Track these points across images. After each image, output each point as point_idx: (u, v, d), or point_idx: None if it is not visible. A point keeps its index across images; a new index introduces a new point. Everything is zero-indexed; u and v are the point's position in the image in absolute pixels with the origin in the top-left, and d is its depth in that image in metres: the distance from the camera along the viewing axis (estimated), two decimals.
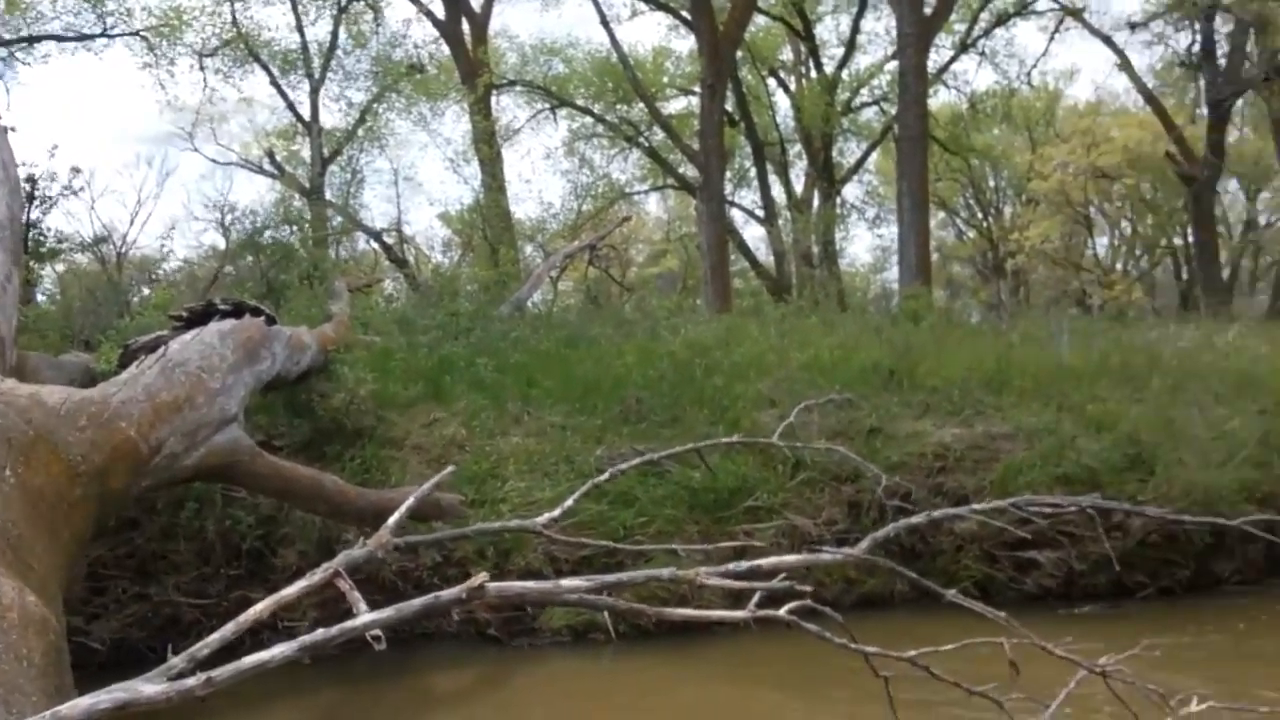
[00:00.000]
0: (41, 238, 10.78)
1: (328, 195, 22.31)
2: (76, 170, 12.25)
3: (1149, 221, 30.25)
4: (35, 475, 3.64)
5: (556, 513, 5.00)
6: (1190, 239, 25.04)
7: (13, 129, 7.55)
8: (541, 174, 42.47)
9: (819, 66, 22.48)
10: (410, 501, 4.34)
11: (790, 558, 4.35)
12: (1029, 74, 23.18)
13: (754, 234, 24.98)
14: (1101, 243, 32.87)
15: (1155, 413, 7.08)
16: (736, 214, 23.89)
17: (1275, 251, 28.06)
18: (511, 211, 21.23)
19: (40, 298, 11.55)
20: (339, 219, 21.33)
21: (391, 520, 4.07)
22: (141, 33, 20.27)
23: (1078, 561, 6.02)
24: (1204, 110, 21.98)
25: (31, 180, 9.88)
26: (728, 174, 20.32)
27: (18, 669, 2.61)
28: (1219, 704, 3.63)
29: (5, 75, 20.60)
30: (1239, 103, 22.36)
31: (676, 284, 23.88)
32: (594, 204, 23.61)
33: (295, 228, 15.92)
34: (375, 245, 23.09)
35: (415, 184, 26.55)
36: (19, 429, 3.80)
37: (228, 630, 2.81)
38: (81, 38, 19.60)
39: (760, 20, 21.79)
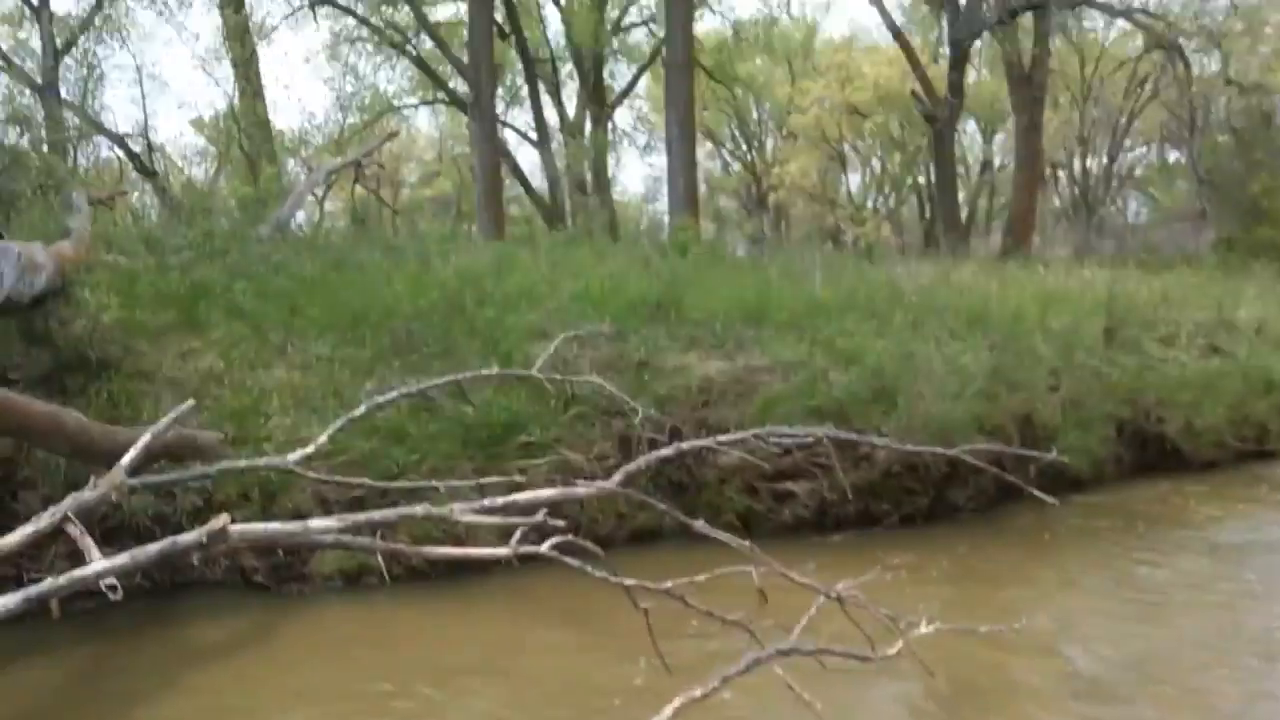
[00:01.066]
0: None
1: (62, 93, 20.41)
2: None
3: (897, 160, 32.07)
4: None
5: (310, 449, 4.87)
6: (932, 178, 26.73)
7: None
8: (303, 80, 40.06)
9: None
10: (146, 438, 4.11)
11: (546, 491, 4.45)
12: (789, 3, 23.82)
13: (528, 157, 24.70)
14: (854, 179, 34.67)
15: (897, 347, 7.59)
16: (510, 136, 23.50)
17: (1007, 192, 30.50)
18: (271, 121, 20.08)
19: None
20: (76, 120, 19.55)
21: (125, 459, 3.85)
22: None
23: (829, 492, 6.41)
24: (947, 50, 23.26)
25: None
26: (500, 91, 19.92)
27: None
28: (945, 626, 4.03)
29: None
30: (978, 44, 23.72)
31: (450, 208, 23.34)
32: (360, 117, 22.62)
33: (25, 128, 14.58)
34: (119, 152, 21.30)
35: (162, 83, 24.62)
36: None
37: None
38: None
39: None
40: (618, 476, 4.58)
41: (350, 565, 5.28)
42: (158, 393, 6.16)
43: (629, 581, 3.83)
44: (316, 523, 3.63)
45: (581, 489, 4.66)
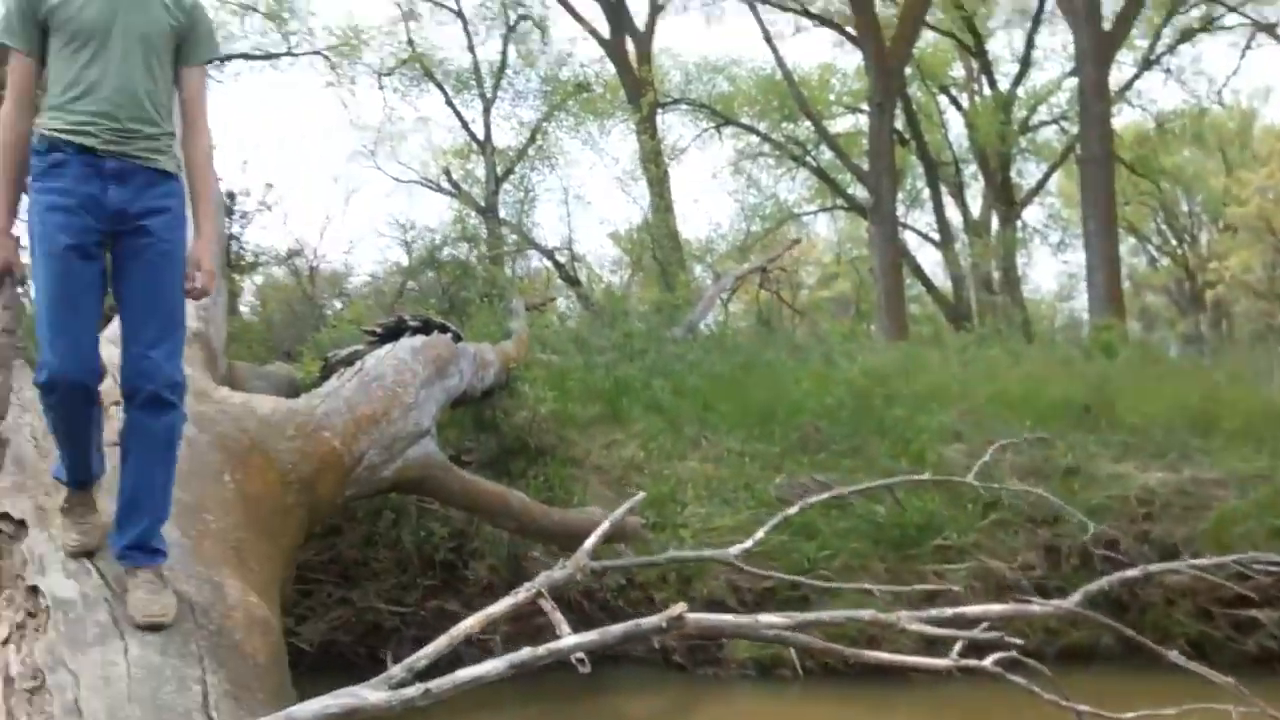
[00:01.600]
0: (242, 251, 11.40)
1: (502, 213, 22.91)
2: (270, 186, 12.89)
3: None
4: (252, 482, 3.78)
5: (749, 544, 4.90)
6: None
7: (213, 145, 8.02)
8: (709, 193, 42.53)
9: (993, 83, 21.79)
10: (605, 526, 4.32)
11: (996, 607, 4.11)
12: (1220, 92, 21.91)
13: (929, 257, 24.33)
14: None
15: None
16: (910, 236, 23.30)
17: None
18: (680, 232, 21.33)
19: (243, 309, 12.19)
20: (513, 237, 21.86)
21: (588, 543, 4.06)
22: (323, 51, 21.38)
23: None
24: None
25: (230, 195, 10.45)
26: (900, 195, 19.85)
27: (245, 667, 2.70)
28: None
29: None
30: None
31: (849, 308, 23.46)
32: (762, 225, 23.46)
33: (472, 245, 16.37)
34: (548, 263, 23.57)
35: (585, 203, 27.09)
36: (235, 437, 3.96)
37: (441, 643, 2.85)
38: (268, 56, 20.79)
39: (929, 36, 21.24)
40: (1076, 596, 4.16)
41: (764, 654, 5.23)
42: (586, 478, 6.56)
43: (1083, 707, 3.43)
44: (766, 618, 3.63)
45: (1037, 607, 4.31)
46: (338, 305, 12.54)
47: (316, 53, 21.14)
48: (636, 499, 5.05)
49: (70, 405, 2.81)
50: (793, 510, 5.37)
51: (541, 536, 5.52)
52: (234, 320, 9.44)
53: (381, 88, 23.54)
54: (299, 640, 5.11)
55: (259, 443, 4.02)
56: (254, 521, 3.62)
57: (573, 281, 22.53)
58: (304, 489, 4.08)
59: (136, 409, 2.85)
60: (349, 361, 5.48)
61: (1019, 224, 21.47)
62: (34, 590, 2.73)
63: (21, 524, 3.02)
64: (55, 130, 2.79)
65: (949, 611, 3.85)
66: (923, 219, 24.53)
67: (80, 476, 2.97)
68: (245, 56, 20.74)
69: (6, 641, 2.60)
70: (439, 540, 5.79)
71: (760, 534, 5.04)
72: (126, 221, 2.82)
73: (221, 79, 20.19)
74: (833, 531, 5.92)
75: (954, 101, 24.11)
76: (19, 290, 3.01)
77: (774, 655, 5.18)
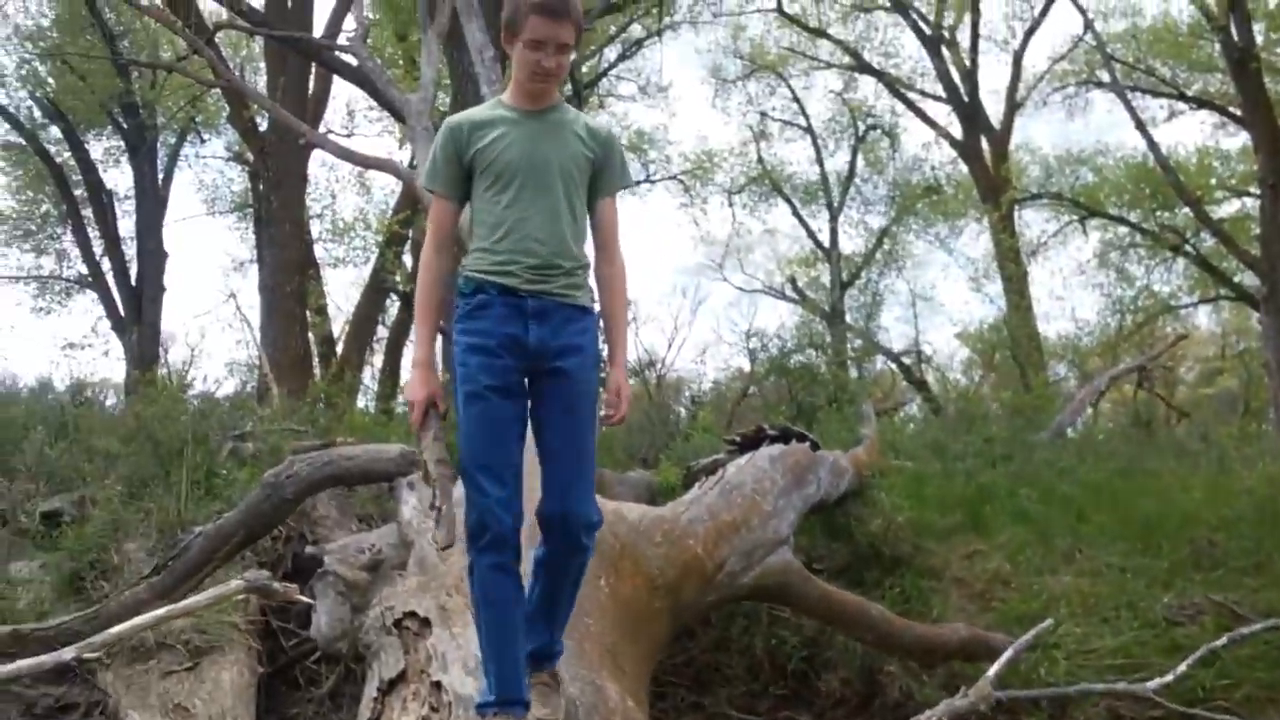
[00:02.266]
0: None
1: (847, 318, 22.93)
2: (629, 303, 13.70)
3: None
4: (624, 585, 3.98)
5: (1169, 678, 4.51)
6: None
7: (626, 271, 8.68)
8: (1073, 289, 40.22)
9: None
10: (1010, 654, 4.12)
11: None
12: None
13: None
14: None
15: None
16: None
17: None
18: (1040, 330, 20.32)
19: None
20: (858, 341, 21.77)
21: (992, 671, 3.92)
22: (679, 176, 22.63)
23: None
24: None
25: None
26: None
27: None
28: None
29: None
30: None
31: (1236, 406, 21.14)
32: (1133, 319, 21.83)
33: (818, 351, 16.47)
34: (894, 367, 23.22)
35: (934, 304, 26.54)
36: (608, 542, 4.18)
37: None
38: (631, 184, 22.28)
39: None
40: None
41: None
42: (946, 590, 6.27)
43: None
44: None
45: None
46: (684, 412, 12.99)
47: (673, 177, 22.48)
48: (1045, 625, 4.81)
49: (498, 557, 2.78)
50: (1220, 642, 4.87)
51: (900, 651, 5.33)
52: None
53: (731, 205, 24.57)
54: None
55: (629, 548, 4.23)
56: (625, 625, 3.79)
57: (920, 385, 22.00)
58: (669, 594, 4.23)
59: (553, 546, 2.90)
60: (710, 470, 5.65)
61: None
62: (437, 686, 3.00)
63: (426, 622, 3.34)
64: (479, 271, 2.86)
65: None
66: None
67: (512, 692, 2.81)
68: None
69: None
70: (791, 649, 5.74)
71: (1182, 667, 4.62)
72: (545, 360, 2.85)
73: None
74: (1234, 658, 5.25)
75: None
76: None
77: None
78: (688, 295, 49.10)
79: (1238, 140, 20.24)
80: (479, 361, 2.83)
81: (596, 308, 3.04)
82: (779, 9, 21.96)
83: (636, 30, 18.99)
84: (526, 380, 2.89)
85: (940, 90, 22.21)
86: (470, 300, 2.88)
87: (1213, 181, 20.68)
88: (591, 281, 3.03)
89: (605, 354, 3.06)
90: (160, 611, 3.51)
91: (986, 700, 3.74)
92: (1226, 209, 20.93)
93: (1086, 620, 5.84)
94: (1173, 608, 5.81)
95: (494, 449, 2.81)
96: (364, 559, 3.86)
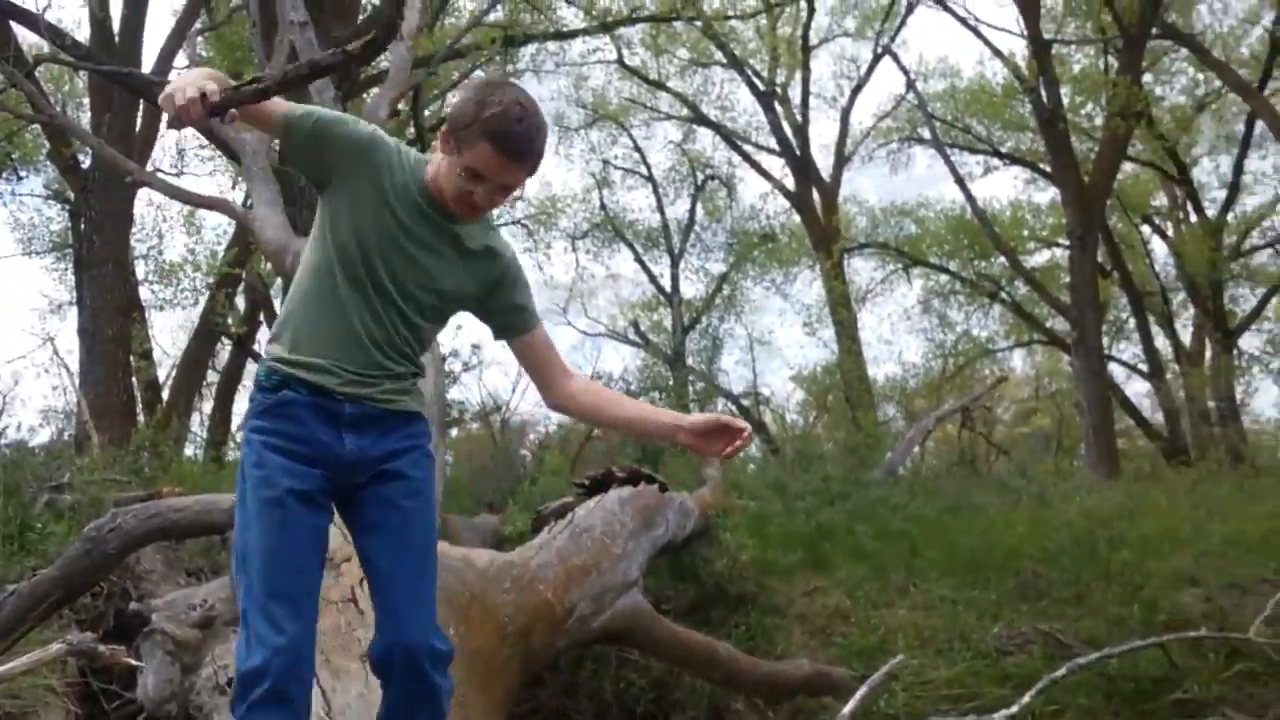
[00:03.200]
0: (448, 409, 12.01)
1: (689, 362, 23.33)
2: (476, 346, 13.61)
3: None
4: (474, 635, 3.89)
5: (1014, 709, 4.68)
6: None
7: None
8: (900, 334, 42.16)
9: (1200, 210, 20.91)
10: (864, 690, 4.23)
11: None
12: None
13: (1136, 389, 23.17)
14: None
15: None
16: (1116, 369, 22.27)
17: None
18: (870, 373, 21.15)
19: (447, 462, 12.76)
20: (700, 384, 22.15)
21: (847, 709, 4.01)
22: (523, 220, 22.71)
23: None
24: None
25: (443, 358, 11.09)
26: (1104, 327, 19.08)
27: None
28: None
29: None
30: None
31: (1050, 444, 22.45)
32: (954, 362, 22.99)
33: (661, 393, 16.66)
34: (734, 408, 23.71)
35: (771, 348, 27.35)
36: (457, 590, 4.09)
37: None
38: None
39: (1129, 167, 20.72)
40: None
41: None
42: (789, 627, 6.40)
43: None
44: None
45: None
46: (528, 456, 12.95)
47: (516, 222, 22.51)
48: (895, 662, 4.95)
49: (280, 715, 2.17)
50: (1060, 673, 5.08)
51: (748, 688, 5.40)
52: (442, 476, 9.88)
53: (575, 250, 24.74)
54: None
55: (478, 596, 4.15)
56: (474, 675, 3.70)
57: (759, 426, 22.54)
58: (519, 640, 4.16)
59: (394, 693, 2.35)
60: (560, 513, 5.62)
61: (1235, 352, 20.19)
62: None
63: None
64: (285, 363, 2.36)
65: None
66: (1128, 350, 23.48)
67: None
68: None
69: None
70: (639, 691, 5.74)
71: (1026, 699, 4.81)
72: (365, 470, 2.37)
73: None
74: (1059, 686, 5.52)
75: (1158, 230, 23.31)
76: None
77: None
78: None
79: (1048, 194, 21.73)
80: (280, 463, 2.29)
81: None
82: (620, 61, 22.38)
83: (480, 76, 18.98)
84: (332, 498, 2.38)
85: (774, 143, 23.03)
86: (271, 397, 2.34)
87: (1025, 233, 22.11)
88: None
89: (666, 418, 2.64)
90: None
91: None
92: (1038, 259, 22.42)
93: (923, 652, 6.04)
94: (1002, 638, 6.08)
95: (293, 571, 2.26)
96: (195, 615, 3.64)
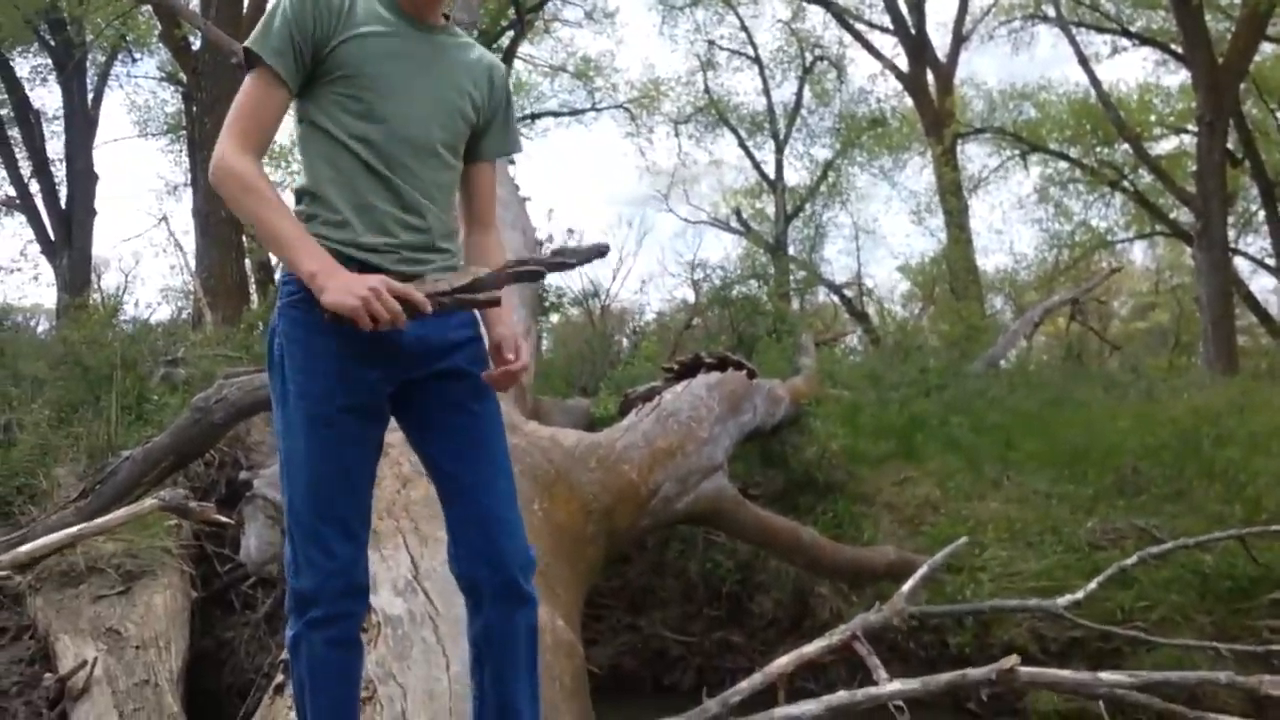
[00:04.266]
0: (544, 293, 12.12)
1: (791, 250, 23.02)
2: (571, 231, 13.70)
3: None
4: (558, 510, 4.01)
5: (1080, 595, 4.66)
6: None
7: (528, 199, 8.62)
8: (1012, 223, 40.77)
9: None
10: (924, 570, 4.24)
11: None
12: None
13: (1262, 285, 22.07)
14: None
15: None
16: (1241, 263, 21.20)
17: None
18: (979, 264, 20.57)
19: (544, 347, 12.95)
20: (801, 273, 21.88)
21: (906, 588, 4.02)
22: (625, 105, 22.42)
23: None
24: None
25: (539, 243, 11.15)
26: (1230, 219, 18.12)
27: (553, 690, 2.85)
28: None
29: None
30: None
31: (1168, 340, 21.66)
32: (1070, 254, 22.17)
33: (761, 282, 16.51)
34: (836, 299, 23.42)
35: (876, 237, 26.81)
36: (543, 467, 4.21)
37: (756, 679, 2.91)
38: (575, 112, 22.15)
39: (1267, 48, 19.34)
40: None
41: (1070, 708, 4.89)
42: (877, 516, 6.43)
43: None
44: (1107, 675, 3.41)
45: None
46: (626, 343, 13.03)
47: (619, 106, 22.23)
48: (960, 543, 4.92)
49: (338, 633, 2.12)
50: (1129, 561, 5.02)
51: (830, 573, 5.47)
52: (536, 359, 10.05)
53: (677, 135, 24.39)
54: (588, 663, 5.32)
55: (564, 474, 4.25)
56: (559, 549, 3.82)
57: (861, 316, 22.23)
58: (603, 519, 4.27)
59: (489, 611, 2.17)
60: (647, 397, 5.68)
61: None
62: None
63: None
64: (329, 245, 2.06)
65: None
66: (1256, 243, 22.26)
67: None
68: (554, 114, 22.12)
69: None
70: (725, 573, 5.87)
71: (1093, 585, 4.76)
72: (426, 363, 2.16)
73: (532, 135, 21.65)
74: (1151, 581, 5.44)
75: None
76: None
77: (1079, 709, 4.83)
78: (633, 226, 49.06)
79: (1178, 77, 20.47)
80: (329, 370, 2.06)
81: None
82: None
83: None
84: (390, 399, 2.18)
85: (888, 22, 22.11)
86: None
87: (1152, 118, 20.93)
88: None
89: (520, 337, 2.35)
90: (73, 529, 3.45)
91: (900, 615, 3.84)
92: (1165, 145, 21.24)
93: (1012, 544, 6.01)
94: (1095, 532, 6.00)
95: (345, 493, 2.11)
96: None
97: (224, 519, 3.29)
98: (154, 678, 3.65)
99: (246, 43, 2.06)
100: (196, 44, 13.85)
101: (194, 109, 14.55)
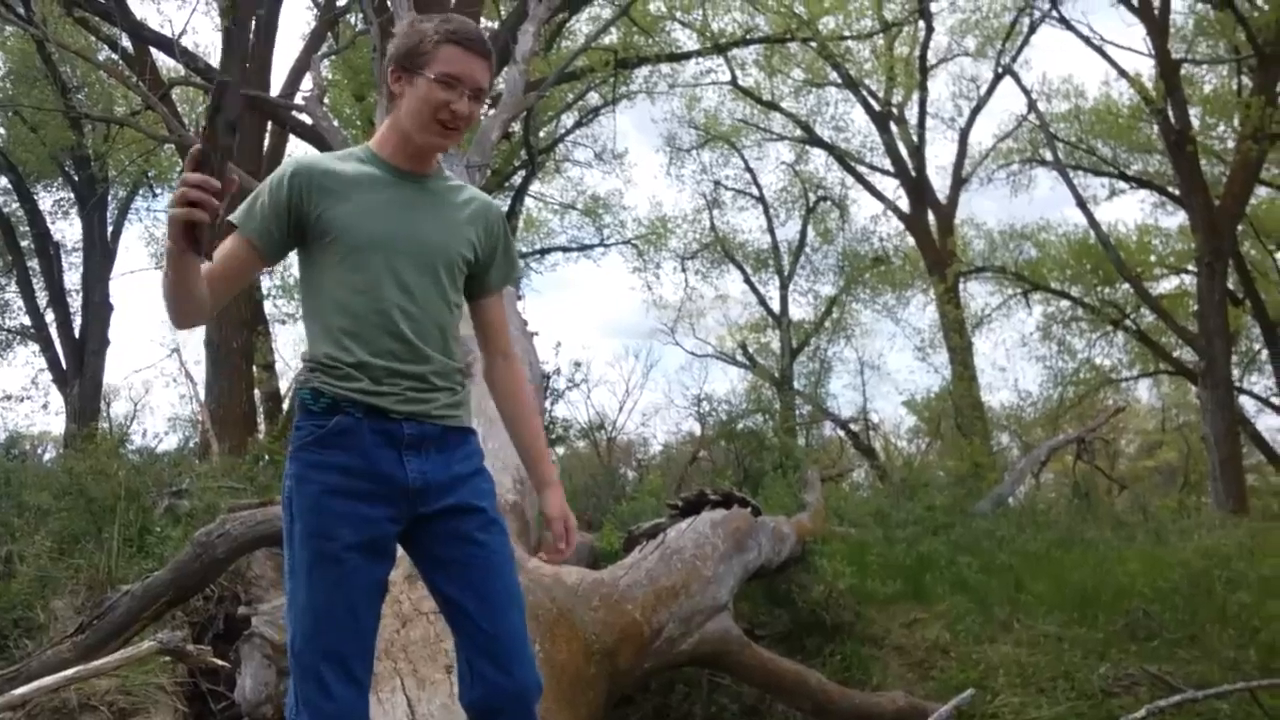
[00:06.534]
0: (550, 426, 12.18)
1: (796, 385, 23.14)
2: (577, 364, 13.84)
3: None
4: (559, 651, 3.94)
5: None
6: None
7: (536, 334, 8.75)
8: (1016, 361, 41.11)
9: None
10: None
11: None
12: None
13: (1268, 424, 22.08)
14: None
15: None
16: (1246, 402, 21.24)
17: None
18: (984, 400, 20.64)
19: None
20: (807, 408, 21.93)
21: None
22: (633, 241, 22.91)
23: None
24: None
25: (545, 376, 11.26)
26: (1234, 357, 18.26)
27: None
28: None
29: (524, 285, 24.13)
30: None
31: (1175, 479, 21.52)
32: (1075, 391, 22.25)
33: (766, 416, 16.57)
34: (841, 433, 23.42)
35: (882, 373, 26.95)
36: (545, 606, 4.15)
37: None
38: (583, 247, 22.64)
39: (1262, 191, 19.82)
40: None
41: None
42: (885, 659, 6.30)
43: None
44: None
45: None
46: (631, 475, 13.01)
47: (627, 242, 22.72)
48: (966, 696, 4.82)
49: None
50: (1139, 715, 4.88)
51: (839, 719, 5.32)
52: None
53: (684, 270, 24.86)
54: None
55: (566, 613, 4.19)
56: (559, 690, 3.74)
57: (867, 452, 22.18)
58: (605, 659, 4.19)
59: None
60: (652, 534, 5.65)
61: None
62: None
63: None
64: (334, 385, 2.18)
65: None
66: (1260, 383, 22.38)
67: None
68: (563, 249, 22.63)
69: None
70: (730, 717, 5.72)
71: None
72: (430, 500, 2.21)
73: (541, 270, 22.06)
74: None
75: None
76: None
77: None
78: (639, 358, 49.48)
79: (1176, 219, 20.93)
80: (337, 510, 2.11)
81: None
82: (733, 82, 22.42)
83: (593, 98, 19.28)
84: (397, 538, 2.24)
85: (889, 164, 22.75)
86: (324, 424, 2.16)
87: (1152, 259, 21.31)
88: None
89: (526, 475, 2.53)
90: (70, 671, 3.41)
91: None
92: (1165, 285, 21.57)
93: (1024, 690, 5.87)
94: (1109, 679, 5.86)
95: (349, 632, 2.11)
96: None
97: (220, 662, 3.25)
98: None
99: (231, 217, 2.24)
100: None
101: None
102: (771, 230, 24.98)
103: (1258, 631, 6.12)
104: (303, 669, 2.09)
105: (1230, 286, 17.42)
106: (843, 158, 23.52)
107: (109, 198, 18.70)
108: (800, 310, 25.39)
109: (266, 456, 9.37)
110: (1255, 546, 7.74)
